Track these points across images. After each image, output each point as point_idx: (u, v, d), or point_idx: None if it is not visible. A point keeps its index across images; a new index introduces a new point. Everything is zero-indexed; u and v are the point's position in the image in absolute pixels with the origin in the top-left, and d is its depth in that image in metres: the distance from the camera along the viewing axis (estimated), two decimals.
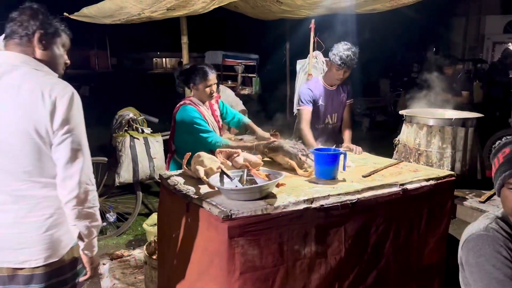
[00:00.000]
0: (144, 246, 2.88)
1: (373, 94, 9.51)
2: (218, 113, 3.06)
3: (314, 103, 3.19)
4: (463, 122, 2.61)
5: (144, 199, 4.69)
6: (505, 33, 13.52)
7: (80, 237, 1.62)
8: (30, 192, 1.55)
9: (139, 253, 3.41)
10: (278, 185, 2.04)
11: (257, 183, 1.99)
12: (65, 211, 1.58)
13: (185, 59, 4.14)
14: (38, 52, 1.58)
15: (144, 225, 3.68)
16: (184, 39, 4.07)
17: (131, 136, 3.79)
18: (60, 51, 1.66)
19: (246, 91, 10.63)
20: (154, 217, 3.60)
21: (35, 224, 1.56)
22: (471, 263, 1.33)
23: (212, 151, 2.37)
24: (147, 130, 3.96)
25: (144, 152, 3.79)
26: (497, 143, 1.43)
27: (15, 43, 1.55)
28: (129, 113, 3.91)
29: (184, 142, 2.87)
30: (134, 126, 3.92)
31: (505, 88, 6.74)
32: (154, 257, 2.71)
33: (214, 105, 3.04)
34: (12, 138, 1.49)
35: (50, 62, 1.62)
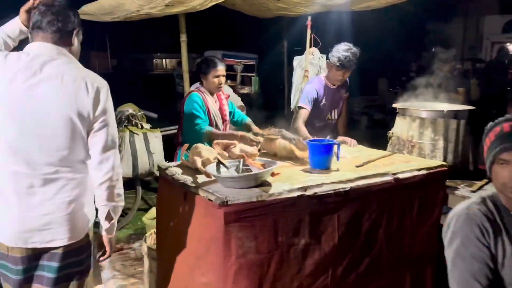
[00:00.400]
0: (144, 237, 2.94)
1: (372, 92, 9.57)
2: (226, 107, 3.13)
3: (318, 102, 3.26)
4: (455, 114, 2.67)
5: (144, 195, 4.74)
6: (503, 33, 13.58)
7: (108, 217, 1.74)
8: (58, 175, 1.64)
9: (138, 246, 3.46)
10: (273, 174, 2.10)
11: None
12: (98, 192, 1.70)
13: (184, 57, 4.19)
14: (70, 47, 1.71)
15: (144, 219, 3.73)
16: (183, 37, 4.11)
17: (130, 131, 3.85)
18: (80, 48, 1.80)
19: (245, 90, 10.68)
20: (153, 211, 3.65)
21: (61, 205, 1.65)
22: (447, 238, 1.39)
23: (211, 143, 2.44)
24: (147, 126, 4.03)
25: (143, 147, 3.86)
26: (488, 124, 1.46)
27: (51, 36, 1.66)
28: (129, 109, 3.98)
29: (190, 133, 2.92)
30: (133, 122, 3.98)
31: (501, 86, 6.80)
32: (154, 247, 2.76)
33: (224, 100, 3.11)
34: (54, 123, 1.60)
35: (75, 57, 1.75)
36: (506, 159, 1.31)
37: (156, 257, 2.61)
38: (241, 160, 2.14)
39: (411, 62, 9.65)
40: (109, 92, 1.71)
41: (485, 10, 13.44)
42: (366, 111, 9.15)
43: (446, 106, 2.91)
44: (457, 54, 7.21)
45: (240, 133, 2.71)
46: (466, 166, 2.68)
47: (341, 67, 3.09)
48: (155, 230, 2.84)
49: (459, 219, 1.40)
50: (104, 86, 1.69)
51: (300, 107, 3.27)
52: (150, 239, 2.92)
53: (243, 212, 1.81)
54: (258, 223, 1.85)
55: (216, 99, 3.05)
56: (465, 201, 1.46)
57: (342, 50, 3.07)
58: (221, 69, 2.97)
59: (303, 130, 3.13)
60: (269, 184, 1.97)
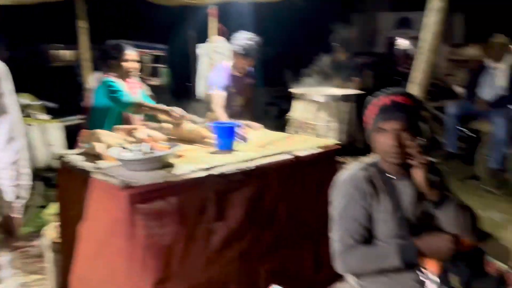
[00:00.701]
0: (45, 232, 2.80)
1: (278, 84, 9.90)
2: (138, 96, 3.03)
3: (224, 88, 3.29)
4: (346, 98, 2.93)
5: (44, 191, 4.46)
6: (397, 28, 14.96)
7: (18, 197, 1.71)
8: None
9: (40, 243, 3.27)
10: (178, 156, 2.14)
11: None
12: (6, 173, 1.67)
13: (83, 46, 3.99)
14: None
15: (44, 215, 3.53)
16: (82, 23, 3.92)
17: (26, 123, 3.60)
18: None
19: (155, 82, 10.38)
20: (53, 207, 3.47)
21: None
22: (333, 201, 1.58)
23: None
24: (45, 117, 3.79)
25: (40, 139, 3.62)
26: (368, 98, 1.64)
27: None
28: (24, 99, 3.70)
29: (101, 122, 2.79)
30: (29, 113, 3.72)
31: (391, 76, 7.54)
32: (57, 240, 2.65)
33: (136, 88, 3.01)
34: None
35: None
36: (385, 128, 1.50)
37: (59, 250, 2.51)
38: (146, 143, 2.14)
39: (313, 54, 10.18)
40: (10, 73, 1.69)
41: (380, 7, 14.66)
42: (274, 102, 9.46)
43: (339, 92, 3.18)
44: (354, 47, 7.80)
45: (167, 107, 2.66)
46: (356, 144, 2.96)
47: (245, 56, 3.19)
48: (56, 223, 2.72)
49: (344, 183, 1.58)
50: (4, 66, 1.67)
51: (213, 93, 3.28)
52: (52, 232, 2.79)
53: (148, 194, 1.82)
54: (164, 204, 1.87)
55: (127, 86, 2.96)
56: (350, 168, 1.65)
57: (245, 38, 3.17)
58: (129, 53, 2.87)
59: (221, 117, 3.15)
60: (174, 166, 2.01)
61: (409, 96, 1.58)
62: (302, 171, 2.43)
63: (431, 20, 2.48)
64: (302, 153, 2.43)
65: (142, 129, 2.32)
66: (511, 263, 2.83)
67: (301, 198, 2.45)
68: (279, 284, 1.87)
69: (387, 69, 7.83)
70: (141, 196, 1.80)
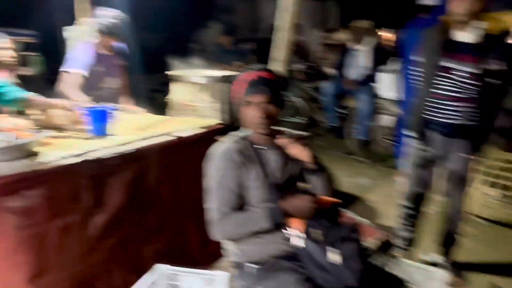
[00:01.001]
0: None
1: (163, 70, 9.72)
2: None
3: (88, 68, 3.06)
4: (228, 79, 3.03)
5: None
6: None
7: None
8: None
9: None
10: (46, 144, 2.01)
11: None
12: None
13: None
14: None
15: None
16: None
17: None
18: None
19: (27, 71, 9.42)
20: None
21: None
22: (208, 173, 1.67)
23: None
24: None
25: None
26: (236, 74, 1.72)
27: None
28: None
29: None
30: None
31: None
32: None
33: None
34: None
35: None
36: (253, 101, 1.60)
37: None
38: (9, 132, 1.97)
39: (198, 40, 10.18)
40: None
41: None
42: (159, 88, 9.28)
43: (220, 73, 3.26)
44: (238, 33, 7.98)
45: (67, 103, 2.41)
46: (236, 123, 3.08)
47: (110, 34, 3.05)
48: None
49: (218, 156, 1.66)
50: None
51: (65, 71, 3.02)
52: None
53: (12, 185, 1.69)
54: (33, 194, 1.76)
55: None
56: (223, 141, 1.74)
57: (109, 16, 3.02)
58: (2, 41, 2.58)
59: (72, 95, 2.90)
60: (43, 154, 1.89)
61: (273, 72, 1.71)
62: (185, 151, 2.46)
63: (288, 0, 2.66)
64: (184, 133, 2.45)
65: (4, 118, 2.12)
66: (375, 220, 3.26)
67: (185, 178, 2.48)
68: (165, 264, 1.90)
69: (269, 54, 8.19)
70: (5, 187, 1.67)
